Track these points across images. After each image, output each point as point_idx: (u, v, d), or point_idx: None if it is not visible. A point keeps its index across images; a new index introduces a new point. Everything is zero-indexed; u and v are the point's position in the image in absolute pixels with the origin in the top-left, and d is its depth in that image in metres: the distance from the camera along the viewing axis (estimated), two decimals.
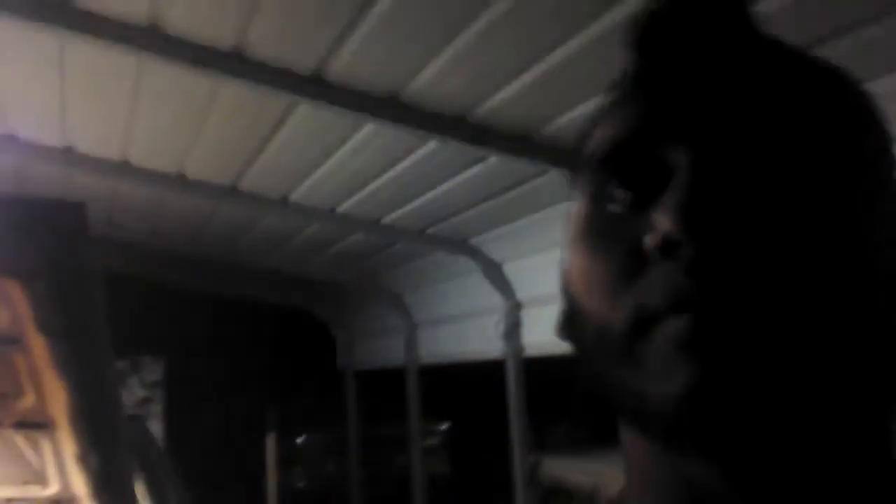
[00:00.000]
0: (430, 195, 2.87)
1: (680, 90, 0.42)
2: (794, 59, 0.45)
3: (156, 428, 5.22)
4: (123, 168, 2.76)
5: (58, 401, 1.64)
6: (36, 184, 3.01)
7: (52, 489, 1.92)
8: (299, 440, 6.52)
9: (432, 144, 2.29)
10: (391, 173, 2.67)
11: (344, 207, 3.21)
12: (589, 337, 0.42)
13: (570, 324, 0.45)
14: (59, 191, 3.04)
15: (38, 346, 1.50)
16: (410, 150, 2.41)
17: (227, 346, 6.17)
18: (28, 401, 1.65)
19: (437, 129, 2.05)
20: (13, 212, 1.26)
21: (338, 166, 2.66)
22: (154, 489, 3.31)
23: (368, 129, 2.24)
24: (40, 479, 1.90)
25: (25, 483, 1.91)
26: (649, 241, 0.38)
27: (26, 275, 1.37)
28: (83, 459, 1.78)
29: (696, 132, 0.40)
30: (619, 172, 0.42)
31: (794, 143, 0.40)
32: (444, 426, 6.63)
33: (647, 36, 0.45)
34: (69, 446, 1.75)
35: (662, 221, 0.37)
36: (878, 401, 0.41)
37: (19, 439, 1.76)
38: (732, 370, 0.36)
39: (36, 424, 1.71)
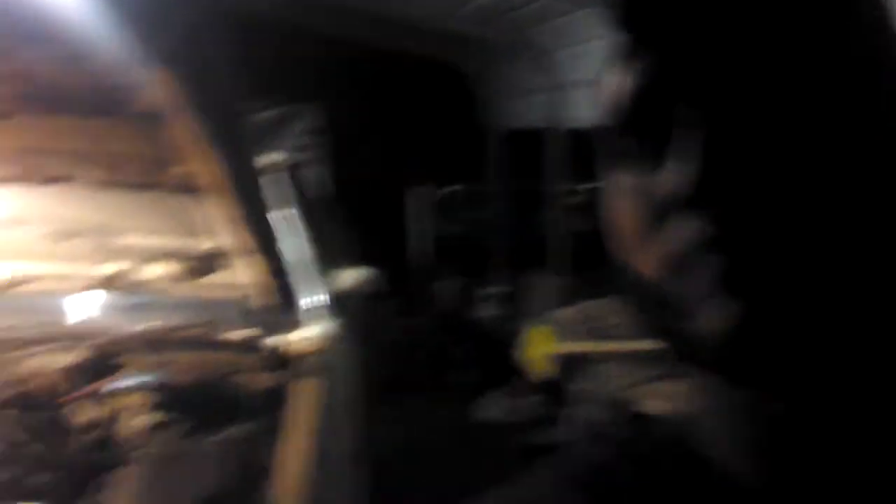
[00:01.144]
0: None
1: (694, 43, 0.41)
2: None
3: (316, 173, 5.54)
4: None
5: (207, 170, 1.78)
6: None
7: (208, 244, 2.15)
8: (443, 191, 6.79)
9: None
10: None
11: None
12: (630, 286, 0.45)
13: (619, 278, 0.47)
14: None
15: (186, 122, 1.61)
16: None
17: (376, 98, 6.29)
18: (185, 168, 1.80)
19: None
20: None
21: None
22: (310, 234, 3.60)
23: None
24: (197, 234, 2.12)
25: (184, 236, 2.14)
26: (672, 192, 0.40)
27: (167, 58, 1.43)
28: (232, 222, 1.96)
29: (710, 85, 0.40)
30: (635, 129, 0.43)
31: (803, 87, 0.39)
32: (588, 186, 6.68)
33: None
34: (220, 210, 1.93)
35: (683, 174, 0.39)
36: None
37: (181, 200, 1.94)
38: (764, 304, 0.38)
39: (190, 189, 1.88)
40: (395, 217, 5.96)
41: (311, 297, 2.74)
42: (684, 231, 0.40)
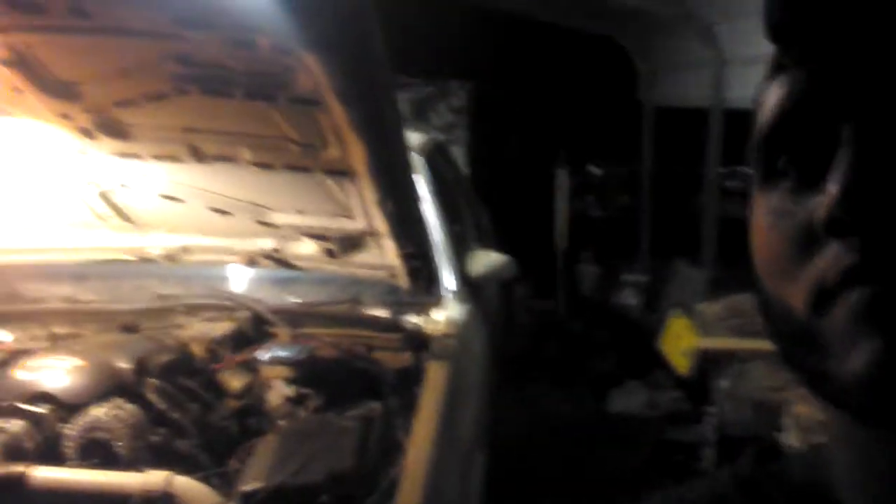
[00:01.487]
0: None
1: (846, 57, 0.38)
2: None
3: (458, 153, 5.58)
4: None
5: (356, 155, 1.82)
6: None
7: (359, 224, 2.21)
8: (594, 170, 6.66)
9: None
10: None
11: None
12: (775, 319, 0.42)
13: (763, 308, 0.44)
14: None
15: (337, 108, 1.65)
16: None
17: (529, 73, 6.20)
18: (332, 152, 1.86)
19: None
20: None
21: None
22: (456, 212, 3.63)
23: None
24: (349, 214, 2.19)
25: (337, 216, 2.21)
26: (818, 218, 0.37)
27: (319, 46, 1.48)
28: (381, 204, 2.01)
29: (862, 103, 0.37)
30: (786, 147, 0.41)
31: None
32: (746, 170, 6.34)
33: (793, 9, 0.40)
34: (369, 193, 1.98)
35: (829, 198, 0.36)
36: None
37: (329, 182, 2.01)
38: None
39: (341, 172, 1.94)
40: (540, 198, 5.89)
41: (450, 280, 2.77)
42: (836, 260, 0.37)
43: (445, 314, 2.53)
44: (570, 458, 3.41)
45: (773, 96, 0.42)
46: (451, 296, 2.68)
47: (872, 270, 0.36)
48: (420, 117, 6.14)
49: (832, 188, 0.36)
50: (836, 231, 0.36)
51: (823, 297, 0.37)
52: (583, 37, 5.93)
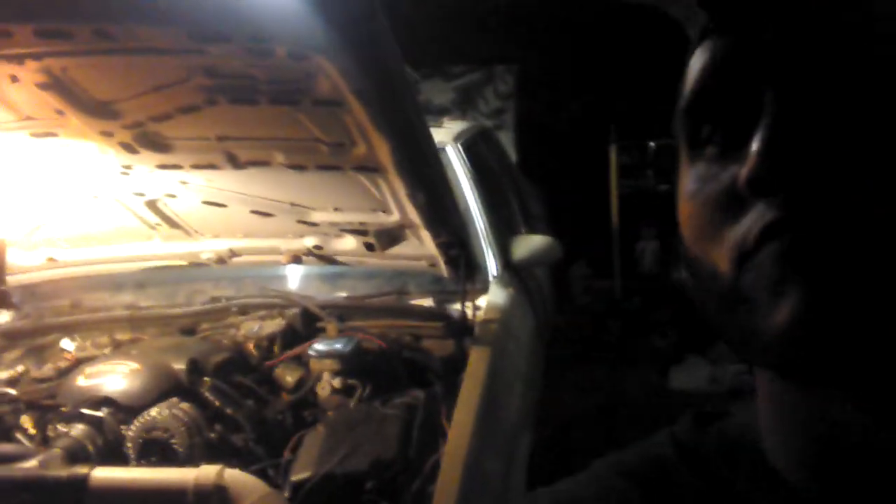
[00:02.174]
0: None
1: (765, 25, 0.40)
2: None
3: (507, 138, 5.58)
4: None
5: (382, 151, 1.87)
6: None
7: (395, 217, 2.26)
8: (650, 145, 6.56)
9: None
10: None
11: None
12: (702, 282, 0.44)
13: (690, 272, 0.47)
14: None
15: (357, 108, 1.70)
16: None
17: (577, 52, 6.12)
18: (360, 150, 1.91)
19: None
20: None
21: None
22: (501, 198, 3.66)
23: None
24: (384, 208, 2.24)
25: (373, 211, 2.27)
26: (741, 178, 0.39)
27: (331, 51, 1.53)
28: (411, 197, 2.06)
29: (781, 69, 0.39)
30: (710, 114, 0.43)
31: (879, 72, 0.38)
32: None
33: None
34: (399, 186, 2.03)
35: (751, 159, 0.38)
36: None
37: (361, 178, 2.06)
38: (836, 288, 0.36)
39: (370, 168, 1.99)
40: (594, 176, 5.83)
41: (493, 265, 2.81)
42: (759, 218, 0.39)
43: (488, 300, 2.57)
44: (629, 438, 3.41)
45: (696, 63, 0.44)
46: (494, 281, 2.72)
47: (791, 222, 0.38)
48: (467, 105, 6.15)
49: (754, 148, 0.38)
50: (759, 190, 0.38)
51: (746, 255, 0.39)
52: (630, 8, 5.83)
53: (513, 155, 5.38)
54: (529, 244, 3.04)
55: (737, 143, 0.41)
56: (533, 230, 3.74)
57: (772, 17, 0.40)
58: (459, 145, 3.25)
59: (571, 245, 3.76)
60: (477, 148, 3.61)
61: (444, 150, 3.10)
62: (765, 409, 0.48)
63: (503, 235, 3.01)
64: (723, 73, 0.42)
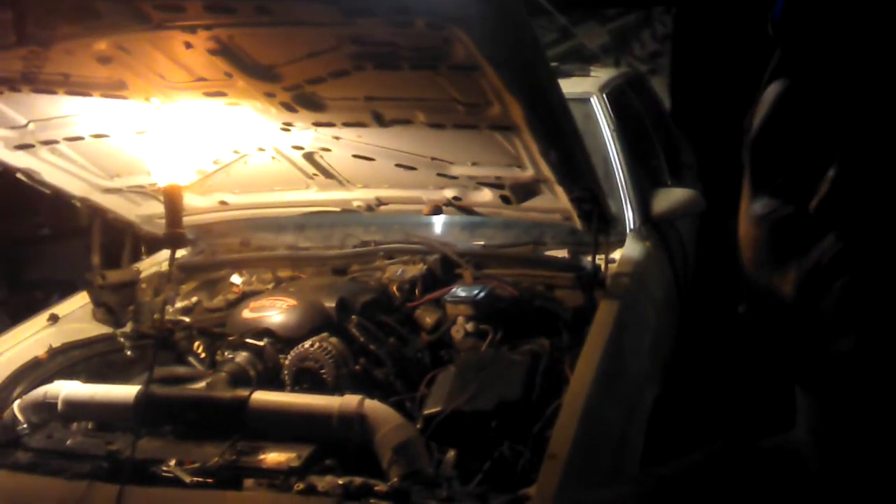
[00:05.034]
0: None
1: (830, 71, 0.43)
2: None
3: (661, 85, 5.43)
4: None
5: (516, 111, 1.96)
6: None
7: (530, 172, 2.35)
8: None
9: None
10: None
11: None
12: (763, 305, 0.47)
13: (749, 296, 0.49)
14: None
15: (491, 72, 1.80)
16: None
17: None
18: (495, 110, 2.01)
19: None
20: None
21: None
22: (649, 148, 3.63)
23: None
24: (519, 164, 2.33)
25: (509, 166, 2.37)
26: (812, 204, 0.42)
27: (465, 21, 1.63)
28: (544, 154, 2.14)
29: (852, 112, 0.42)
30: (779, 148, 0.45)
31: None
32: None
33: (792, 18, 0.45)
34: (532, 144, 2.11)
35: (824, 187, 0.41)
36: None
37: (496, 136, 2.17)
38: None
39: (505, 127, 2.09)
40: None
41: (631, 218, 2.84)
42: (829, 248, 0.41)
43: (623, 253, 2.62)
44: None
45: (769, 98, 0.47)
46: (631, 235, 2.76)
47: (857, 259, 0.40)
48: (622, 48, 6.02)
49: (830, 177, 0.41)
50: (829, 220, 0.41)
51: (814, 283, 0.42)
52: None
53: (667, 101, 5.24)
54: (670, 197, 3.03)
55: (804, 177, 0.43)
56: (681, 182, 3.70)
57: (845, 61, 0.42)
58: (605, 95, 3.25)
59: (725, 196, 3.67)
60: (624, 97, 3.58)
61: (588, 100, 3.13)
62: (815, 427, 0.50)
63: (644, 188, 3.02)
64: (795, 111, 0.44)
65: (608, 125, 3.06)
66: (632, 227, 2.80)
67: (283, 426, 1.87)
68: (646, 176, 3.19)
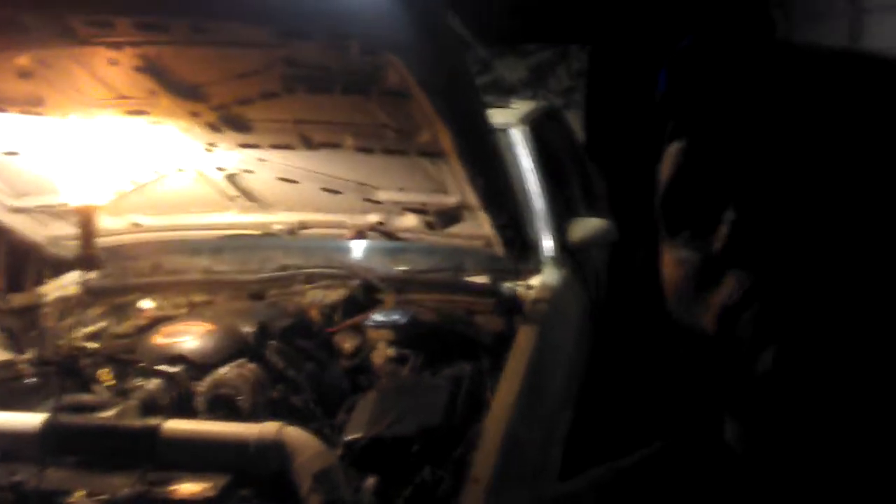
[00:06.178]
0: None
1: (724, 132, 0.49)
2: (827, 74, 0.48)
3: (575, 119, 5.60)
4: None
5: (445, 138, 1.99)
6: None
7: (455, 198, 2.38)
8: None
9: None
10: None
11: None
12: (687, 339, 0.52)
13: (675, 332, 0.54)
14: None
15: (423, 99, 1.82)
16: None
17: (653, 31, 6.05)
18: (424, 136, 2.03)
19: None
20: None
21: None
22: (563, 179, 3.73)
23: None
24: (445, 190, 2.36)
25: (434, 192, 2.40)
26: (716, 252, 0.48)
27: (399, 48, 1.65)
28: (471, 181, 2.17)
29: (741, 167, 0.48)
30: (683, 204, 0.52)
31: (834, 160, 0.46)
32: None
33: (676, 89, 0.52)
34: (459, 171, 2.14)
35: (722, 235, 0.47)
36: None
37: (424, 162, 2.19)
38: (804, 348, 0.45)
39: (433, 153, 2.12)
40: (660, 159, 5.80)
41: (549, 246, 2.91)
42: (738, 286, 0.47)
43: (541, 280, 2.67)
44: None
45: (668, 161, 0.53)
46: (548, 262, 2.82)
47: (763, 291, 0.46)
48: (539, 82, 6.18)
49: (726, 224, 0.47)
50: (731, 261, 0.47)
51: (730, 316, 0.48)
52: None
53: (580, 134, 5.40)
54: (586, 226, 3.11)
55: (708, 226, 0.49)
56: (594, 212, 3.81)
57: (729, 123, 0.48)
58: (525, 127, 3.33)
59: (634, 227, 3.80)
60: (543, 129, 3.68)
61: (509, 131, 3.20)
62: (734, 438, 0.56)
63: (561, 217, 3.10)
64: (691, 170, 0.51)
65: (528, 155, 3.14)
66: (549, 254, 2.87)
67: (198, 455, 1.80)
68: (563, 205, 3.27)
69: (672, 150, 0.53)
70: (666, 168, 0.53)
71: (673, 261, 0.53)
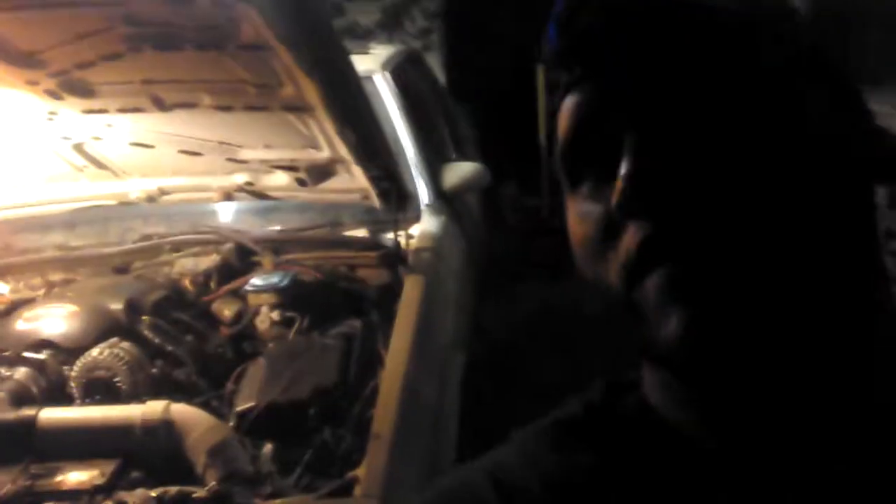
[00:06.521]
0: None
1: (621, 77, 0.47)
2: (732, 29, 0.47)
3: (434, 61, 5.55)
4: None
5: (310, 91, 1.91)
6: None
7: (325, 153, 2.31)
8: None
9: None
10: None
11: None
12: (594, 286, 0.51)
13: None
14: None
15: (283, 51, 1.73)
16: None
17: None
18: (288, 91, 1.94)
19: None
20: None
21: None
22: (430, 124, 3.70)
23: None
24: (314, 145, 2.28)
25: (304, 147, 2.31)
26: (613, 205, 0.46)
27: None
28: (340, 134, 2.11)
29: (638, 113, 0.46)
30: (582, 156, 0.50)
31: (731, 113, 0.45)
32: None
33: (578, 44, 0.49)
34: (328, 124, 2.07)
35: (618, 189, 0.45)
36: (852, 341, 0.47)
37: (290, 117, 2.10)
38: (715, 311, 0.44)
39: (299, 108, 2.03)
40: (522, 97, 5.86)
41: (425, 194, 2.89)
42: (634, 236, 0.45)
43: (421, 228, 2.65)
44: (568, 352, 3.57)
45: (566, 112, 0.51)
46: (426, 210, 2.80)
47: (667, 250, 0.44)
48: (394, 25, 6.08)
49: (621, 176, 0.45)
50: (628, 213, 0.45)
51: (632, 275, 0.46)
52: None
53: (440, 76, 5.37)
54: (459, 172, 3.11)
55: (608, 178, 0.47)
56: (463, 154, 3.81)
57: (628, 68, 0.47)
58: (388, 73, 3.26)
59: (500, 165, 3.83)
60: (405, 74, 3.61)
61: (372, 78, 3.12)
62: (652, 390, 0.55)
63: (434, 164, 3.08)
64: (589, 119, 0.49)
65: (394, 102, 3.08)
66: (426, 202, 2.85)
67: (81, 443, 1.71)
68: (434, 151, 3.24)
69: (569, 104, 0.51)
70: (564, 121, 0.51)
71: (575, 214, 0.51)
